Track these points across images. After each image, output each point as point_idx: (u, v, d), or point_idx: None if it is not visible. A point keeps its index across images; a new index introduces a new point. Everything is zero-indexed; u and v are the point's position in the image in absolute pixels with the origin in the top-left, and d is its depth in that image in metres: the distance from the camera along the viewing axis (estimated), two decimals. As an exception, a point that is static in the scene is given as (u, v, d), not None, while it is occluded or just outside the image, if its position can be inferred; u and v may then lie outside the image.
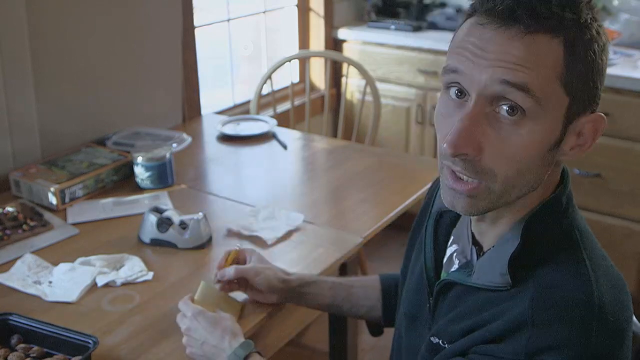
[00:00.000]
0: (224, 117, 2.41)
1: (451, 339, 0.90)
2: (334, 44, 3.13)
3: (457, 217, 1.01)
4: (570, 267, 0.84)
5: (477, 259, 0.94)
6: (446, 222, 1.02)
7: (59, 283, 1.38)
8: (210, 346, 1.13)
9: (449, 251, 1.00)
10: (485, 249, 0.94)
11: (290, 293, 1.30)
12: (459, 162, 0.82)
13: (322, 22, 3.08)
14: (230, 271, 1.25)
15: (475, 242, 0.96)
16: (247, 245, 1.53)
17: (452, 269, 0.97)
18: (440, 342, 0.92)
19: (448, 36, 0.96)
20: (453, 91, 0.84)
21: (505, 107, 0.80)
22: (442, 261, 1.01)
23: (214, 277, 1.26)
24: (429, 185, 1.19)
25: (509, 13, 0.78)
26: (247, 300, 1.31)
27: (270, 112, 2.74)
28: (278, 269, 1.31)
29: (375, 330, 1.41)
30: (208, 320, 1.16)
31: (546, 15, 0.79)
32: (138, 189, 1.83)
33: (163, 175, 1.82)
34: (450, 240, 1.01)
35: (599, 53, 0.82)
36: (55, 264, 1.44)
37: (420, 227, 1.11)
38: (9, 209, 1.66)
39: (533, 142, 0.80)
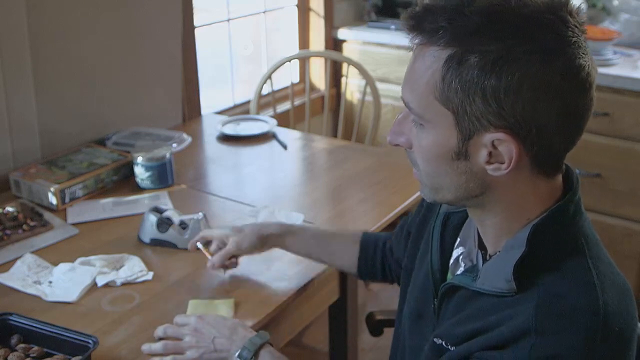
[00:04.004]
0: (224, 117, 2.41)
1: (455, 341, 0.90)
2: (334, 44, 3.12)
3: (465, 218, 1.01)
4: (576, 276, 0.84)
5: (483, 263, 0.94)
6: (453, 223, 1.02)
7: (59, 283, 1.38)
8: (223, 339, 1.13)
9: (455, 253, 1.00)
10: (489, 253, 0.94)
11: (272, 242, 1.36)
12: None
13: (322, 22, 3.08)
14: (215, 261, 1.32)
15: (481, 246, 0.96)
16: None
17: (458, 272, 0.98)
18: (444, 343, 0.92)
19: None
20: None
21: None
22: (448, 262, 1.01)
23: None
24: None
25: (408, 27, 0.83)
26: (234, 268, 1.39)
27: (270, 112, 2.74)
28: (255, 228, 1.36)
29: (376, 330, 1.41)
30: (215, 318, 1.17)
31: (431, 29, 0.80)
32: (138, 189, 1.83)
33: (163, 175, 1.82)
34: (457, 242, 1.01)
35: (484, 72, 0.77)
36: (55, 264, 1.44)
37: (425, 227, 1.11)
38: (9, 209, 1.66)
39: (430, 148, 0.86)
